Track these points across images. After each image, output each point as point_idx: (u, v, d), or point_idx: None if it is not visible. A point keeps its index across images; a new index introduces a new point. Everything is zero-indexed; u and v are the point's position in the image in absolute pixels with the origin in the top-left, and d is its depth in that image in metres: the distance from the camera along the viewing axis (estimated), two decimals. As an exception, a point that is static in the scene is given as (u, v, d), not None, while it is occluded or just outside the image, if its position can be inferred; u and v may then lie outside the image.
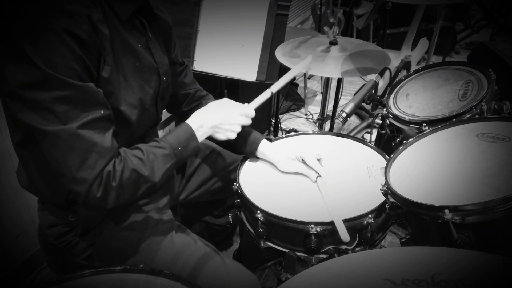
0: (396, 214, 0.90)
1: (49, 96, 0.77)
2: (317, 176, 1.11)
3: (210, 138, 1.07)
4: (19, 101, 0.78)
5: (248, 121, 1.09)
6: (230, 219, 1.55)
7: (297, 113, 3.07)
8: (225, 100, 1.10)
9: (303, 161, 1.15)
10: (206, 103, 1.22)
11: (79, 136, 0.80)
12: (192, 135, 0.99)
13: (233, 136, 1.08)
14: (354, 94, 1.42)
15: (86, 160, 0.82)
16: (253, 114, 1.10)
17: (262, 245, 1.03)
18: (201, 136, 1.02)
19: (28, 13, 0.75)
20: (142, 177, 0.89)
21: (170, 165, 0.95)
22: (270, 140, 1.23)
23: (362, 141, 1.28)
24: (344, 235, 0.92)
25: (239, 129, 1.08)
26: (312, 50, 1.48)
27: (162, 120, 2.18)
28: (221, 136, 1.06)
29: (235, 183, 1.11)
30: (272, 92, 1.14)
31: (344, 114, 1.26)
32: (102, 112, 0.84)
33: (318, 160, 1.15)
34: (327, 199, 1.03)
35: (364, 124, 2.81)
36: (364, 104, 1.43)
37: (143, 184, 0.90)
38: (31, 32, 0.74)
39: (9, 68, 0.76)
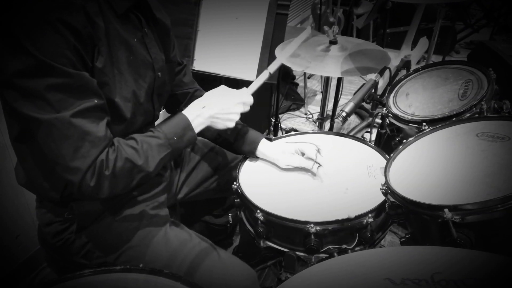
0: (396, 213, 0.89)
1: (43, 84, 0.77)
2: (318, 166, 1.11)
3: (208, 133, 1.06)
4: (14, 90, 0.79)
5: (246, 109, 1.06)
6: (230, 219, 1.55)
7: (297, 112, 3.07)
8: (222, 88, 1.06)
9: (303, 154, 1.15)
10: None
11: (72, 124, 0.81)
12: (188, 125, 0.98)
13: (231, 125, 1.05)
14: (354, 94, 1.42)
15: (80, 149, 0.82)
16: (251, 101, 1.06)
17: (262, 244, 1.03)
18: (197, 126, 1.00)
19: (23, 4, 0.76)
20: (136, 167, 0.89)
21: (165, 155, 0.94)
22: (270, 140, 1.23)
23: (362, 140, 1.28)
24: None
25: (237, 118, 1.05)
26: (312, 49, 1.48)
27: (162, 120, 2.19)
28: (220, 125, 1.04)
29: (235, 183, 1.11)
30: (270, 73, 1.10)
31: (344, 114, 1.26)
32: (95, 101, 0.84)
33: (318, 152, 1.15)
34: (328, 197, 1.04)
35: (364, 123, 2.81)
36: (364, 104, 1.43)
37: (137, 173, 0.90)
38: (26, 22, 0.75)
39: (4, 57, 0.77)
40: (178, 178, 1.32)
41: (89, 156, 0.83)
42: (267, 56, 1.55)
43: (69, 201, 1.00)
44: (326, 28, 1.51)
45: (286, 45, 1.51)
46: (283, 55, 1.15)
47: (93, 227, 1.04)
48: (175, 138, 0.96)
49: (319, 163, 1.12)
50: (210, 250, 1.07)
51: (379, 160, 1.19)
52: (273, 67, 1.12)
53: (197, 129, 1.00)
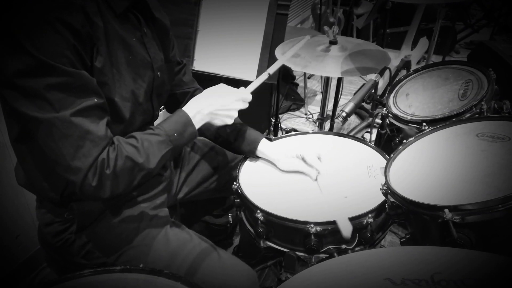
0: (396, 213, 0.90)
1: (43, 84, 0.77)
2: (317, 174, 1.11)
3: (208, 132, 1.07)
4: (14, 90, 0.79)
5: (245, 105, 1.07)
6: (230, 219, 1.55)
7: (297, 112, 3.07)
8: (221, 86, 1.08)
9: (303, 159, 1.15)
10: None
11: (72, 123, 0.81)
12: (188, 121, 0.99)
13: (230, 121, 1.06)
14: (354, 94, 1.42)
15: (80, 148, 0.82)
16: (250, 98, 1.07)
17: (262, 244, 1.03)
18: (198, 122, 1.01)
19: (22, 4, 0.76)
20: (137, 165, 0.89)
21: (166, 152, 0.94)
22: (270, 140, 1.23)
23: (362, 140, 1.28)
24: (346, 231, 0.91)
25: (236, 115, 1.06)
26: (312, 49, 1.48)
27: (162, 120, 2.19)
28: (219, 122, 1.05)
29: (234, 183, 1.11)
30: (269, 74, 1.11)
31: (344, 114, 1.26)
32: (95, 100, 0.84)
33: (318, 158, 1.15)
34: (328, 197, 1.04)
35: (364, 123, 2.81)
36: (364, 104, 1.43)
37: (138, 171, 0.90)
38: (26, 22, 0.76)
39: (4, 57, 0.77)
40: (178, 178, 1.32)
41: (90, 156, 0.83)
42: (267, 56, 1.55)
43: (69, 201, 1.00)
44: (326, 28, 1.51)
45: (285, 48, 1.51)
46: (282, 58, 1.17)
47: (93, 227, 1.04)
48: (175, 134, 0.96)
49: (318, 171, 1.11)
50: (210, 250, 1.07)
51: (379, 160, 1.19)
52: (272, 69, 1.13)
53: (197, 125, 1.00)
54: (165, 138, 0.95)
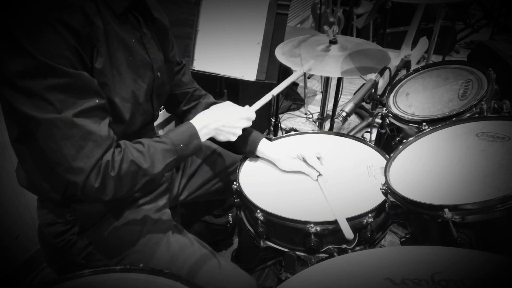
0: (396, 213, 0.90)
1: (44, 85, 0.77)
2: (318, 175, 1.11)
3: (210, 139, 1.08)
4: (15, 91, 0.79)
5: (249, 124, 1.13)
6: (230, 219, 1.55)
7: (297, 112, 3.07)
8: (228, 103, 1.13)
9: (304, 160, 1.15)
10: (205, 102, 1.23)
11: (74, 124, 0.81)
12: (195, 133, 1.01)
13: (233, 138, 1.11)
14: (354, 94, 1.42)
15: (82, 149, 0.82)
16: (254, 117, 1.13)
17: (262, 244, 1.03)
18: (203, 136, 1.03)
19: (22, 4, 0.76)
20: (141, 170, 0.90)
21: (170, 160, 0.95)
22: (270, 140, 1.24)
23: (362, 140, 1.28)
24: (348, 233, 0.92)
25: (239, 132, 1.11)
26: (312, 49, 1.48)
27: (162, 120, 2.19)
28: (222, 138, 1.09)
29: (235, 183, 1.11)
30: (273, 95, 1.17)
31: (344, 114, 1.26)
32: (97, 101, 0.84)
33: (318, 158, 1.15)
34: (329, 198, 1.04)
35: (364, 123, 2.81)
36: (364, 104, 1.44)
37: (142, 177, 0.91)
38: (25, 23, 0.76)
39: (4, 58, 0.77)
40: (179, 180, 1.33)
41: (92, 156, 0.83)
42: (267, 56, 1.55)
43: (70, 202, 1.00)
44: (326, 28, 1.51)
45: (285, 47, 1.51)
46: (287, 80, 1.20)
47: (95, 229, 1.04)
48: (181, 145, 0.98)
49: (319, 172, 1.12)
50: (210, 257, 1.08)
51: (379, 160, 1.19)
52: (276, 90, 1.18)
53: (203, 139, 1.03)
54: (171, 147, 0.96)
